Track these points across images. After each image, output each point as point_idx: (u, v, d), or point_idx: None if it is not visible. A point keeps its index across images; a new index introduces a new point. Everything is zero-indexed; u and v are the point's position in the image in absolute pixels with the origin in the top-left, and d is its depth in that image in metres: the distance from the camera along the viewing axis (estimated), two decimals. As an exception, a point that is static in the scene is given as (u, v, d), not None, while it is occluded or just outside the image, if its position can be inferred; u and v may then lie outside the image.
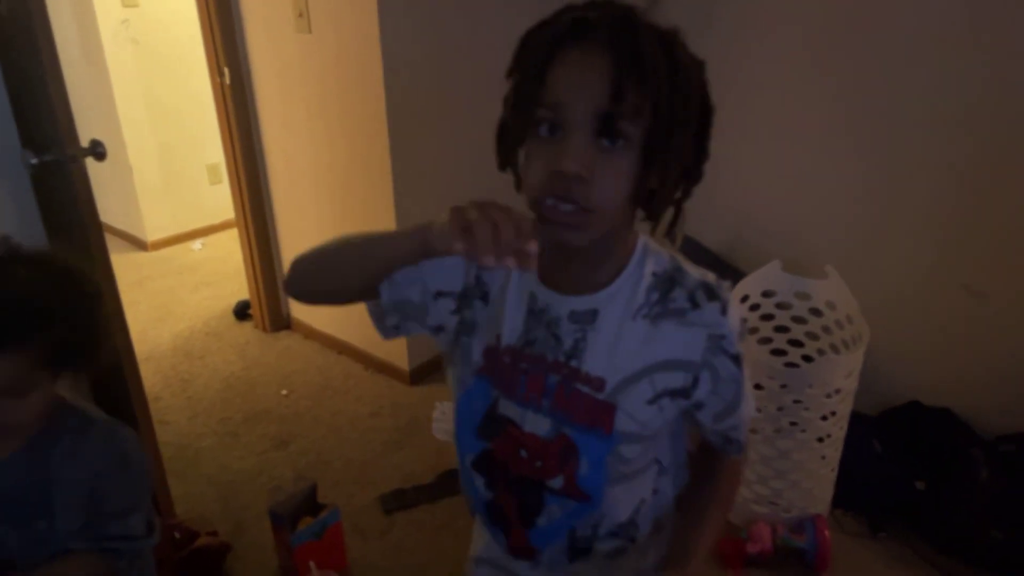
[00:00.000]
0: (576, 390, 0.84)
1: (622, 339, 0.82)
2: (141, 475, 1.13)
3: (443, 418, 2.60)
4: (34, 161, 1.60)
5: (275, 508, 1.90)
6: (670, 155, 0.72)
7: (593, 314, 0.83)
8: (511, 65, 0.76)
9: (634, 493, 0.91)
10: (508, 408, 0.89)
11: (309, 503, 1.95)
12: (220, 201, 4.32)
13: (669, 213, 0.80)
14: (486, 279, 0.90)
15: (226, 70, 2.73)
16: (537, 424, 0.87)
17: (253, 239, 3.06)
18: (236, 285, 3.63)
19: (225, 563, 1.97)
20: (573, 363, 0.84)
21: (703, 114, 0.76)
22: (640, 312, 0.82)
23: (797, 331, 2.20)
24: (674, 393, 0.83)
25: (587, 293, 0.83)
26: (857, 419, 2.05)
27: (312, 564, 1.74)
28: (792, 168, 2.45)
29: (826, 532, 1.89)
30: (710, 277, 0.83)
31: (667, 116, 0.70)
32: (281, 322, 3.25)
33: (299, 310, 3.22)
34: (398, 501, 2.21)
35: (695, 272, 0.84)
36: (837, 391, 1.83)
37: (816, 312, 2.14)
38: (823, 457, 1.94)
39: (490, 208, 0.67)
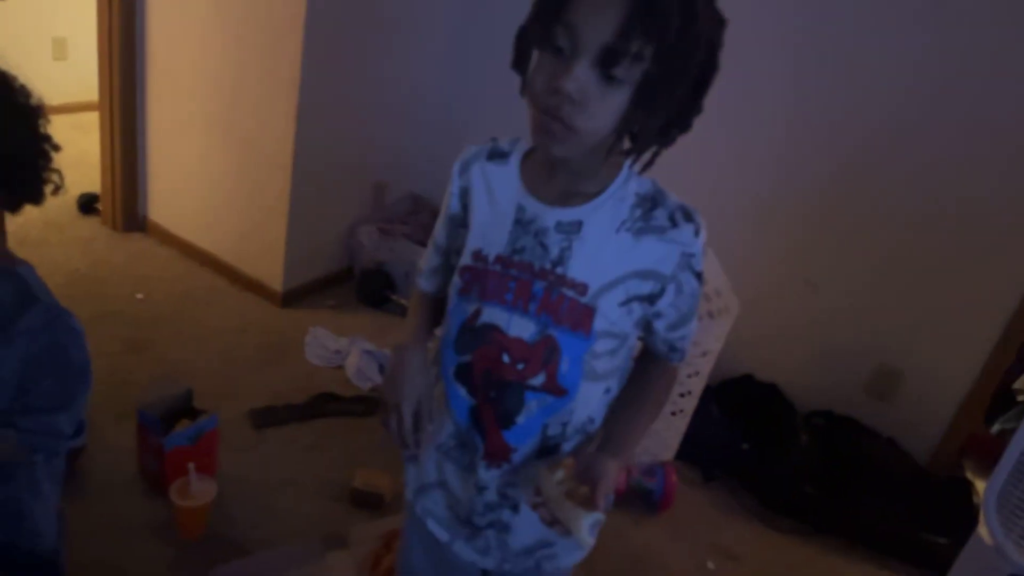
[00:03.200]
0: (561, 294, 0.91)
1: (605, 249, 0.90)
2: (80, 371, 1.03)
3: (315, 343, 2.55)
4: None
5: (146, 409, 1.79)
6: (660, 102, 0.80)
7: (579, 225, 0.90)
8: None
9: (599, 391, 0.99)
10: (493, 315, 0.94)
11: (183, 408, 1.86)
12: (63, 81, 3.84)
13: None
14: (468, 204, 0.98)
15: (117, -68, 2.45)
16: (523, 328, 0.92)
17: (117, 127, 2.78)
18: (78, 176, 3.24)
19: (77, 463, 1.83)
20: (559, 270, 0.91)
21: (705, 71, 0.82)
22: (624, 226, 0.91)
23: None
24: (642, 299, 0.93)
25: (573, 205, 0.91)
26: (702, 384, 2.31)
27: (191, 466, 1.67)
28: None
29: (674, 477, 2.12)
30: (687, 203, 0.93)
31: (666, 67, 0.76)
32: (135, 223, 2.99)
33: (157, 212, 2.98)
34: (269, 418, 2.16)
35: (674, 197, 0.94)
36: (705, 353, 2.05)
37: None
38: (681, 411, 2.17)
39: (391, 418, 0.99)
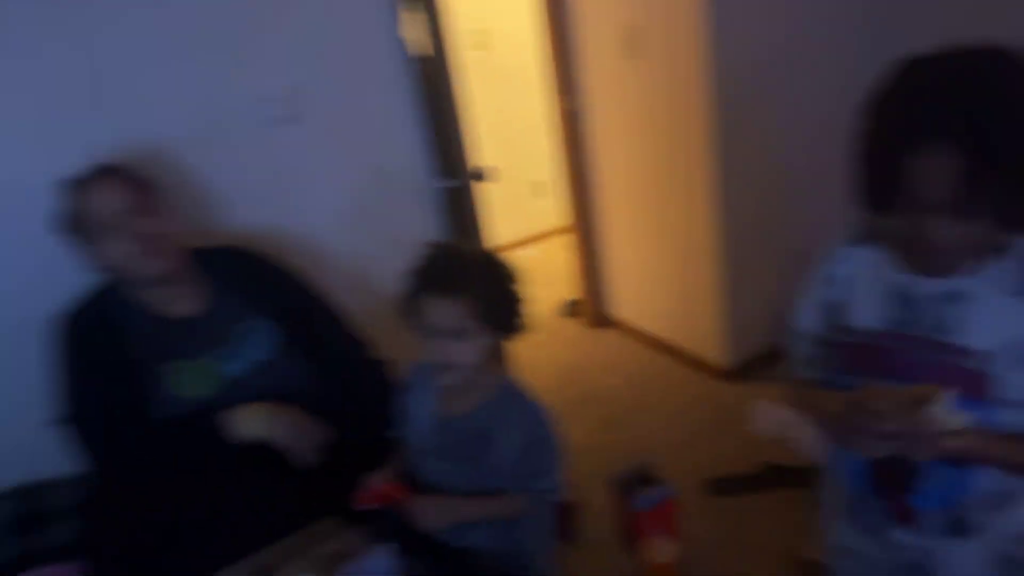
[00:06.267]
0: (952, 363, 0.93)
1: (996, 315, 0.91)
2: (553, 447, 1.41)
3: (762, 416, 2.69)
4: (441, 186, 2.08)
5: (617, 477, 2.18)
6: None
7: (963, 294, 0.93)
8: (868, 121, 0.89)
9: None
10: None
11: (645, 477, 2.20)
12: (546, 213, 4.86)
13: None
14: (839, 287, 1.06)
15: (570, 96, 3.13)
16: None
17: (584, 244, 3.43)
18: (563, 286, 4.08)
19: (575, 522, 2.29)
20: (947, 339, 0.93)
21: None
22: (1015, 291, 0.91)
23: None
24: None
25: (955, 276, 0.94)
26: None
27: (656, 528, 1.98)
28: None
29: None
30: None
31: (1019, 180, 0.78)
32: (604, 320, 3.59)
33: (621, 309, 3.53)
34: (723, 487, 2.37)
35: None
36: None
37: None
38: None
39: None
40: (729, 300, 2.84)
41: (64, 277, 1.50)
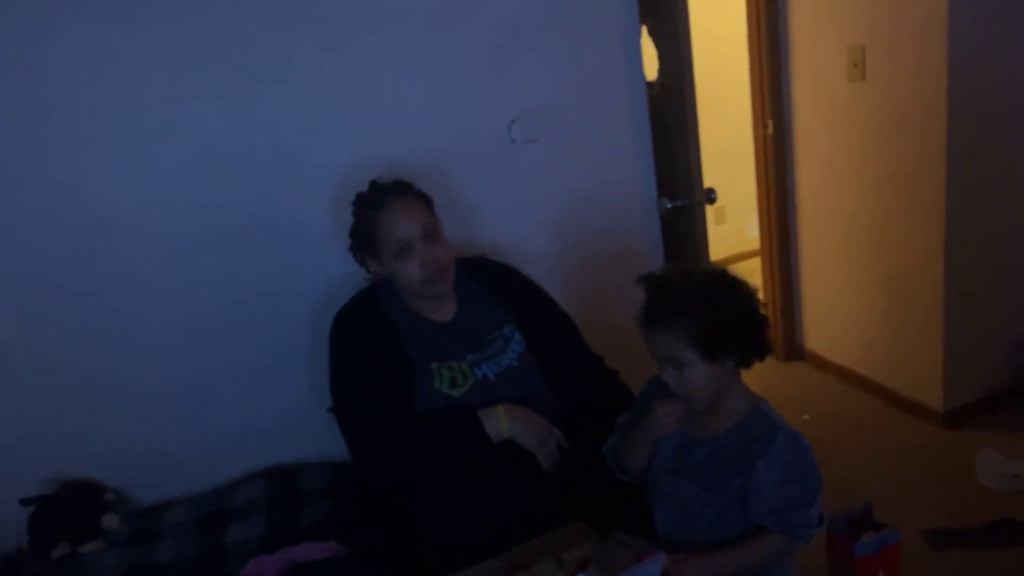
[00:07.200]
0: None
1: None
2: (816, 477, 1.33)
3: (988, 466, 2.47)
4: (668, 206, 2.09)
5: (834, 516, 2.07)
6: None
7: None
8: None
9: None
10: None
11: (865, 520, 2.07)
12: (721, 240, 4.75)
13: None
14: None
15: (770, 122, 3.06)
16: None
17: (776, 273, 3.32)
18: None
19: (779, 557, 2.21)
20: None
21: None
22: None
23: None
24: None
25: None
26: None
27: (881, 574, 1.86)
28: None
29: None
30: None
31: None
32: (795, 352, 3.44)
33: (814, 342, 3.37)
34: (949, 540, 2.19)
35: None
36: None
37: None
38: None
39: None
40: (952, 336, 2.64)
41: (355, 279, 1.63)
